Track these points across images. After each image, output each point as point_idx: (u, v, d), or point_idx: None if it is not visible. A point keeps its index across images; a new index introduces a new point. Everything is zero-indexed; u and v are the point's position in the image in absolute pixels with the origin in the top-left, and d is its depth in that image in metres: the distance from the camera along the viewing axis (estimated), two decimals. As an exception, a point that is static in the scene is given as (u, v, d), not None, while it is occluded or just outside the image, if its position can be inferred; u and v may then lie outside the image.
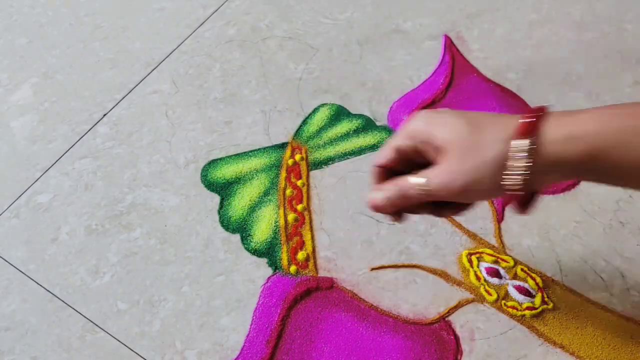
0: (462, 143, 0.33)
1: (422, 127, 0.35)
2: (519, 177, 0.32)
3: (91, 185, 0.53)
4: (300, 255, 0.49)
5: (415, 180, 0.35)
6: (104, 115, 0.58)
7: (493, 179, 0.33)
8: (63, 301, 0.47)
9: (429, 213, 0.38)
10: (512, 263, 0.48)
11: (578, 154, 0.31)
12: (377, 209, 0.38)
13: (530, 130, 0.31)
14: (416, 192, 0.35)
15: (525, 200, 0.35)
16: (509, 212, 0.51)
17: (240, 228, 0.50)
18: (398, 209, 0.38)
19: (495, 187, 0.33)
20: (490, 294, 0.46)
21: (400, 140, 0.36)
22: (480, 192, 0.34)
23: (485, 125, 0.33)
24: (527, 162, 0.31)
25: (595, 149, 0.31)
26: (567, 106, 0.50)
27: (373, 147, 0.55)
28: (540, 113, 0.32)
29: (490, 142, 0.32)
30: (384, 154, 0.37)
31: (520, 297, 0.46)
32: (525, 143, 0.31)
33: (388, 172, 0.38)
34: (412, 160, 0.36)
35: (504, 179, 0.32)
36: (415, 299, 0.47)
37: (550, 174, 0.32)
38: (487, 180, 0.33)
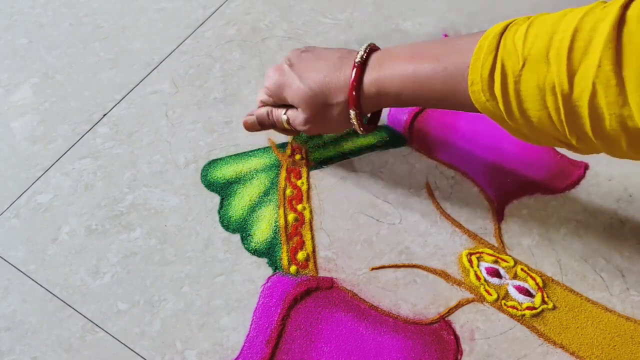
0: (312, 106, 0.46)
1: (274, 88, 0.48)
2: (356, 123, 0.47)
3: (91, 185, 0.53)
4: (300, 255, 0.49)
5: (284, 118, 0.49)
6: (104, 115, 0.58)
7: (337, 125, 0.48)
8: (63, 301, 0.47)
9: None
10: (512, 263, 0.48)
11: (388, 101, 0.45)
12: (248, 128, 0.53)
13: (355, 102, 0.45)
14: (283, 125, 0.50)
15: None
16: (509, 212, 0.51)
17: (240, 228, 0.50)
18: (269, 128, 0.52)
19: (339, 127, 0.48)
20: (490, 294, 0.46)
21: (263, 96, 0.50)
22: (328, 131, 0.52)
23: (326, 93, 0.46)
24: (356, 119, 0.46)
25: (398, 98, 0.44)
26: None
27: (373, 147, 0.55)
28: (360, 72, 0.44)
29: (334, 106, 0.46)
30: (257, 107, 0.52)
31: (520, 297, 0.46)
32: (353, 113, 0.46)
33: None
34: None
35: (346, 124, 0.47)
36: (415, 299, 0.47)
37: (373, 110, 0.48)
38: (334, 127, 0.49)
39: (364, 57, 0.45)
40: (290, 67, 0.47)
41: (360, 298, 0.47)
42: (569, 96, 0.33)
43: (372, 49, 0.46)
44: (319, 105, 0.46)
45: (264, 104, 0.51)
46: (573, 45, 0.33)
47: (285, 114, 0.49)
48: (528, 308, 0.46)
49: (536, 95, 0.35)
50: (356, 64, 0.45)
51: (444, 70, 0.40)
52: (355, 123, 0.46)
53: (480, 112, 0.39)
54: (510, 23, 0.37)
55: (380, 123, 0.57)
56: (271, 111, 0.50)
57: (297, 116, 0.48)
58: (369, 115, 0.51)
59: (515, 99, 0.36)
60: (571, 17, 0.33)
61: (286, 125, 0.49)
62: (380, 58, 0.45)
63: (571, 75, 0.33)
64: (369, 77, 0.44)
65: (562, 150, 0.54)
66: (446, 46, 0.41)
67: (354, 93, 0.45)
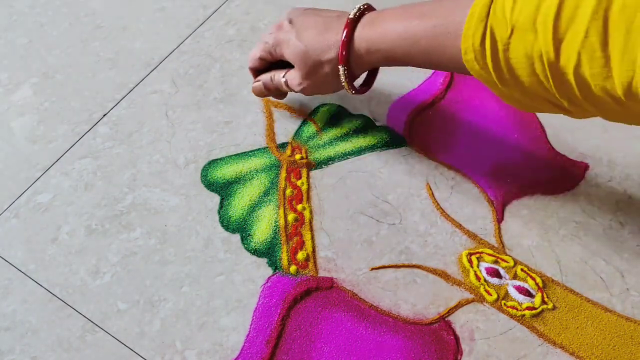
0: (306, 62, 0.48)
1: (273, 44, 0.50)
2: (345, 82, 0.48)
3: (91, 185, 0.53)
4: (300, 255, 0.49)
5: (282, 80, 0.51)
6: (104, 115, 0.58)
7: (330, 84, 0.49)
8: (63, 301, 0.47)
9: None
10: (512, 263, 0.48)
11: (378, 59, 0.46)
12: (256, 93, 0.55)
13: (344, 59, 0.46)
14: (282, 86, 0.52)
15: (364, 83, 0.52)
16: (509, 212, 0.51)
17: (240, 228, 0.50)
18: (274, 93, 0.54)
19: (332, 87, 0.50)
20: (490, 294, 0.46)
21: (261, 52, 0.51)
22: (322, 91, 0.52)
23: (319, 50, 0.47)
24: (345, 77, 0.47)
25: (388, 56, 0.45)
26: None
27: (373, 147, 0.55)
28: (352, 30, 0.45)
29: (325, 63, 0.47)
30: (253, 62, 0.53)
31: (520, 297, 0.46)
32: (342, 70, 0.47)
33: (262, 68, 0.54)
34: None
35: (338, 83, 0.48)
36: (415, 299, 0.47)
37: (364, 69, 0.48)
38: (326, 86, 0.50)
39: (357, 15, 0.46)
40: (289, 24, 0.49)
41: (360, 298, 0.47)
42: (556, 64, 0.33)
43: (367, 8, 0.47)
44: (312, 62, 0.48)
45: (262, 60, 0.52)
46: (560, 14, 0.32)
47: (284, 76, 0.51)
48: (528, 308, 0.46)
49: (525, 63, 0.35)
50: (348, 21, 0.46)
51: (432, 27, 0.41)
52: (344, 81, 0.47)
53: (476, 78, 0.39)
54: None
55: (380, 123, 0.57)
56: (273, 75, 0.52)
57: (293, 76, 0.50)
58: (362, 79, 0.52)
59: (506, 66, 0.36)
60: None
61: (284, 88, 0.51)
62: (372, 17, 0.46)
63: (557, 43, 0.33)
64: (359, 35, 0.45)
65: (561, 147, 0.54)
66: (435, 5, 0.42)
67: (343, 51, 0.45)
